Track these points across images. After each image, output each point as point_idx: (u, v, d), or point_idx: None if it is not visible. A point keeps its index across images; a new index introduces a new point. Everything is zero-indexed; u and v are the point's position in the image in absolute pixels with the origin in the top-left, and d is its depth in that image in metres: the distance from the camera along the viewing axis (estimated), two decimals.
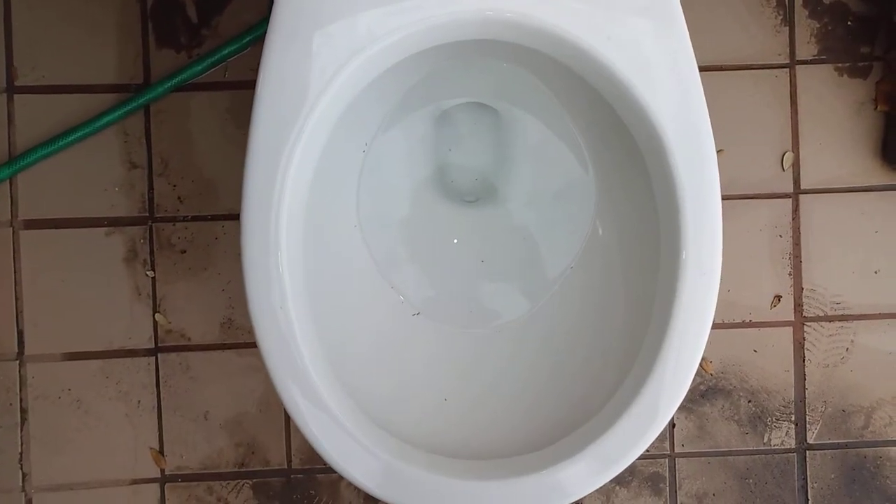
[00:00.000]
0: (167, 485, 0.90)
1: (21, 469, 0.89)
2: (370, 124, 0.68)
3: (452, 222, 0.72)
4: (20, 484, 0.89)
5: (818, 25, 0.92)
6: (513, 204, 0.72)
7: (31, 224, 0.88)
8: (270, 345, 0.53)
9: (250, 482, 0.90)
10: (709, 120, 0.55)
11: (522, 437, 0.58)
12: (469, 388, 0.65)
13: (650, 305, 0.56)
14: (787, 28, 0.92)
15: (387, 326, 0.67)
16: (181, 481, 0.90)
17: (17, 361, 0.89)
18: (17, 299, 0.88)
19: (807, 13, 0.92)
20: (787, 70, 0.92)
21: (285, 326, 0.53)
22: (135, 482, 0.90)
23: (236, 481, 0.90)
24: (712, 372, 0.92)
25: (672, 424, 0.92)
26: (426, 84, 0.67)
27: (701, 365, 0.91)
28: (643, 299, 0.58)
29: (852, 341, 0.92)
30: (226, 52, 0.88)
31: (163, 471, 0.90)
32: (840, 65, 0.92)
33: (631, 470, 0.92)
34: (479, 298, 0.70)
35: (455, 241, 0.72)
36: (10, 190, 0.88)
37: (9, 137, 0.88)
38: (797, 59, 0.92)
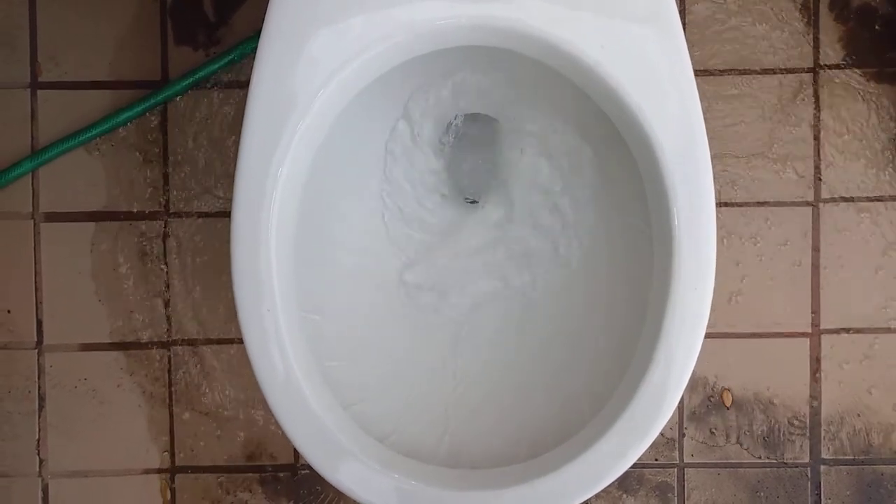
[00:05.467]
0: (177, 475, 0.91)
1: (38, 455, 0.91)
2: (363, 131, 0.68)
3: (448, 224, 0.71)
4: (37, 469, 0.91)
5: (844, 29, 0.89)
6: (511, 207, 0.71)
7: (52, 217, 0.90)
8: (257, 347, 0.54)
9: (258, 476, 0.91)
10: (705, 131, 0.53)
11: (506, 447, 0.57)
12: (453, 396, 0.64)
13: (642, 318, 0.55)
14: (812, 31, 0.89)
15: (373, 328, 0.67)
16: (191, 472, 0.91)
17: (36, 350, 0.91)
18: (37, 290, 0.91)
19: (833, 16, 0.89)
20: (812, 74, 0.89)
21: (273, 329, 0.54)
22: (146, 472, 0.91)
23: (244, 475, 0.91)
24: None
25: (682, 434, 0.91)
26: (420, 91, 0.66)
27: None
28: (635, 312, 0.57)
29: (871, 355, 0.89)
30: (242, 50, 0.89)
31: (173, 462, 0.91)
32: (866, 70, 0.89)
33: (639, 479, 0.91)
34: (472, 305, 0.70)
35: (450, 242, 0.71)
36: (32, 183, 0.90)
37: (31, 132, 0.90)
38: (822, 63, 0.89)
